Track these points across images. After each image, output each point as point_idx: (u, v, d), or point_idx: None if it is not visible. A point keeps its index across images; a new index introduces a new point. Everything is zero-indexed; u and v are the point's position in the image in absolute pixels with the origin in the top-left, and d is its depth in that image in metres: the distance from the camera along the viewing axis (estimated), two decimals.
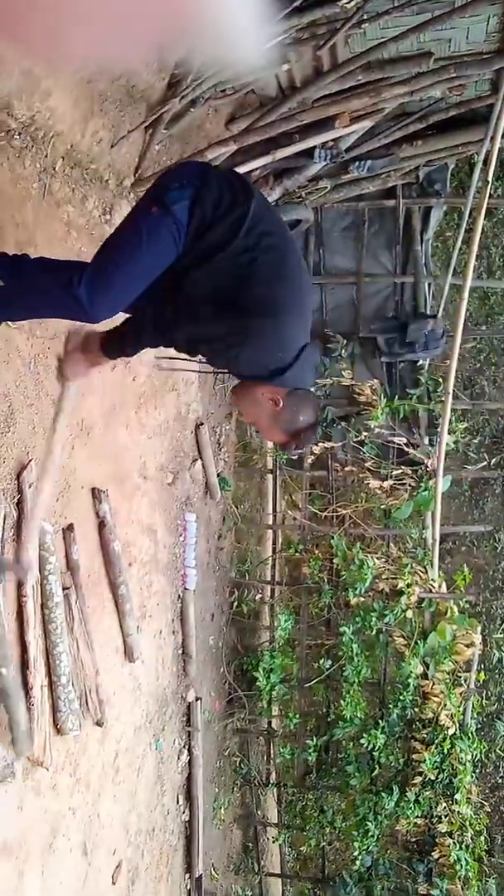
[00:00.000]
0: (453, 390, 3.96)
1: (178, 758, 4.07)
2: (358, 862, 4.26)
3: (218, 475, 4.76)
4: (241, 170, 3.83)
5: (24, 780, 2.48)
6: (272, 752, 5.29)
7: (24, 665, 2.50)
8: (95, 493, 3.14)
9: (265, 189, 4.21)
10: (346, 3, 3.06)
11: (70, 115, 2.87)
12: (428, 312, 5.23)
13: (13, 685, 2.33)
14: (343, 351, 5.16)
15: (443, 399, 4.06)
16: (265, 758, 5.35)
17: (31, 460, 2.56)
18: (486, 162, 3.61)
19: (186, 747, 4.18)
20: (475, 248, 3.63)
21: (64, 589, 2.79)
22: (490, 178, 3.58)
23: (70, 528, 2.90)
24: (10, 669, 2.33)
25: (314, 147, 3.91)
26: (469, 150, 4.51)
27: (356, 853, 4.21)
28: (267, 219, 1.92)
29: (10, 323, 2.50)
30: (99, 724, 2.98)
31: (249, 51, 1.11)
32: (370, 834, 4.18)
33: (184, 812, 4.13)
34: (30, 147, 2.71)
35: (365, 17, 3.14)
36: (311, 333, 1.99)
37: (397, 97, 3.50)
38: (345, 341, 5.20)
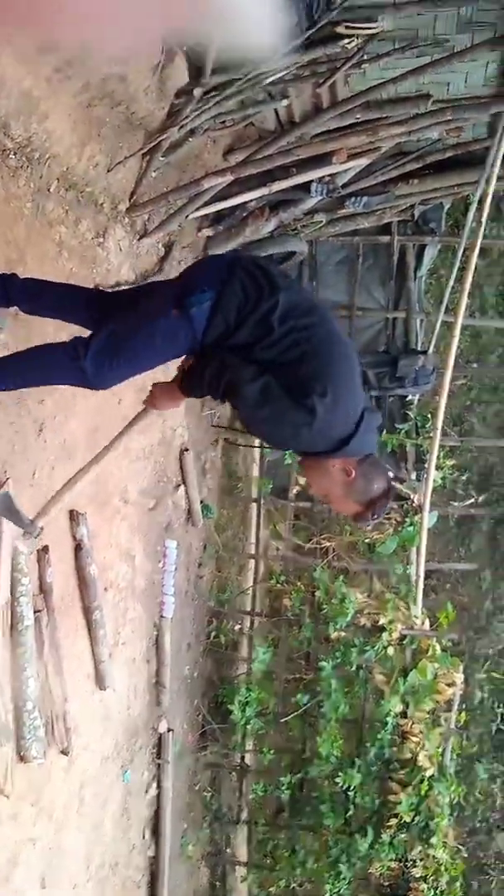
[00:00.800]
0: (442, 426, 3.96)
1: (147, 791, 3.97)
2: None
3: (201, 502, 4.71)
4: (237, 200, 3.86)
5: None
6: (244, 788, 5.16)
7: None
8: (73, 516, 3.10)
9: (260, 220, 4.24)
10: (348, 43, 3.12)
11: (67, 139, 2.89)
12: (419, 348, 5.25)
13: None
14: None
15: (431, 435, 4.06)
16: (237, 794, 5.22)
17: (7, 479, 2.52)
18: (480, 202, 3.66)
19: (155, 780, 4.07)
20: (468, 286, 3.67)
21: (35, 612, 2.73)
22: (484, 219, 3.63)
23: (45, 549, 2.86)
24: None
25: (311, 181, 3.95)
26: (464, 191, 4.56)
27: None
28: (300, 302, 1.94)
29: None
30: (65, 752, 2.90)
31: (264, 37, 1.09)
32: (342, 876, 4.08)
33: (150, 847, 4.02)
34: (25, 167, 2.72)
35: (365, 57, 3.19)
36: None
37: (395, 137, 3.54)
38: None
